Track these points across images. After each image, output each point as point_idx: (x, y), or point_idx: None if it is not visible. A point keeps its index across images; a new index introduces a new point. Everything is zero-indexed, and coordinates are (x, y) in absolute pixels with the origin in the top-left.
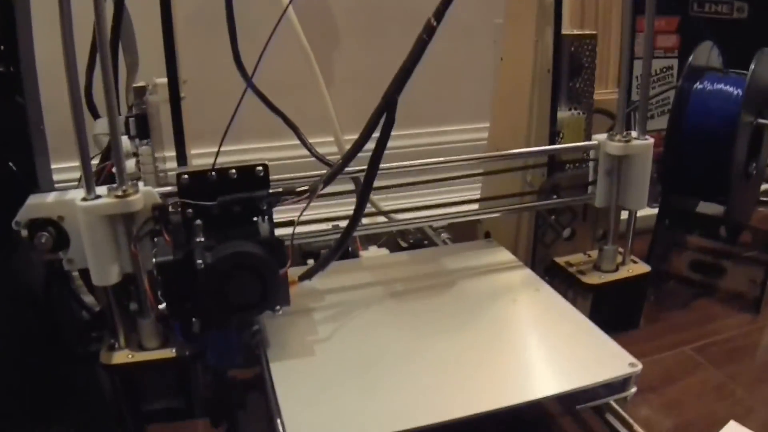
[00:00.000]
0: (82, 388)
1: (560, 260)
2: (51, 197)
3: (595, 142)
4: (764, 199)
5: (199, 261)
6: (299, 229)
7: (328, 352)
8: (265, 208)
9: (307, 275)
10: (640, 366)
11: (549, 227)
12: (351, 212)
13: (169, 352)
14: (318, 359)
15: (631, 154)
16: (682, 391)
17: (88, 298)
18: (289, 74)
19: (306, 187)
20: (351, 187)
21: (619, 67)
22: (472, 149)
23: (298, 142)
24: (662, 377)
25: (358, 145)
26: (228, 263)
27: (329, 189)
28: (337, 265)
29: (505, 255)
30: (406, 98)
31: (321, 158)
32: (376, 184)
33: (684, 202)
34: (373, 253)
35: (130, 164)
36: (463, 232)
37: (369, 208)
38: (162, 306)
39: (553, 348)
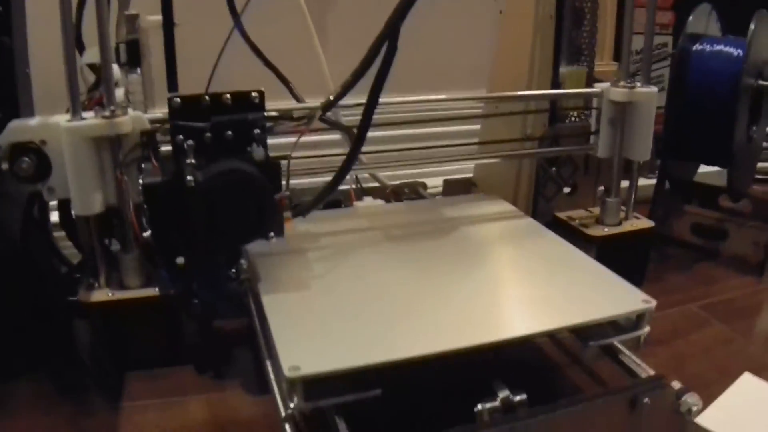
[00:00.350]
0: (57, 339)
1: (562, 215)
2: (34, 121)
3: (598, 90)
4: (760, 176)
5: (190, 178)
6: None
7: (323, 286)
8: (259, 133)
9: (301, 211)
10: (654, 302)
11: (550, 179)
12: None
13: (153, 291)
14: (312, 293)
15: (636, 101)
16: (691, 345)
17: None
18: (285, 36)
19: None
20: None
21: (615, 42)
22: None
23: (291, 103)
24: (670, 332)
25: (359, 73)
26: (220, 181)
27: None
28: (331, 213)
29: (506, 206)
30: (399, 63)
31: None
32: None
33: (683, 170)
34: (368, 203)
35: (119, 93)
36: (460, 194)
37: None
38: (147, 234)
39: (563, 285)
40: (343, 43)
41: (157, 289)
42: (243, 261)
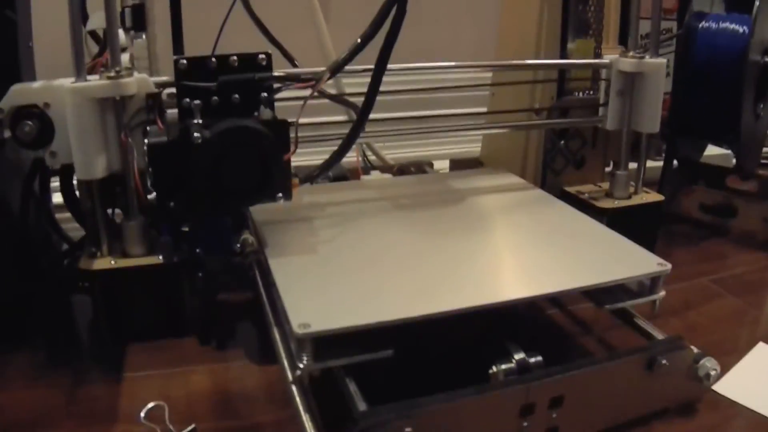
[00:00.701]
0: (55, 313)
1: (571, 189)
2: (37, 84)
3: (606, 60)
4: (765, 161)
5: (197, 134)
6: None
7: (331, 250)
8: (266, 96)
9: (309, 177)
10: (668, 266)
11: (558, 153)
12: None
13: (156, 259)
14: (320, 257)
15: (645, 72)
16: (704, 316)
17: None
18: (288, 13)
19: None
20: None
21: (620, 26)
22: (472, 98)
23: None
24: (682, 304)
25: (368, 36)
26: (227, 138)
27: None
28: (337, 185)
29: (515, 178)
30: (403, 40)
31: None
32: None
33: (690, 150)
34: (375, 176)
35: (124, 58)
36: None
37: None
38: (151, 196)
39: (576, 249)
40: (347, 22)
41: (160, 257)
42: (248, 236)
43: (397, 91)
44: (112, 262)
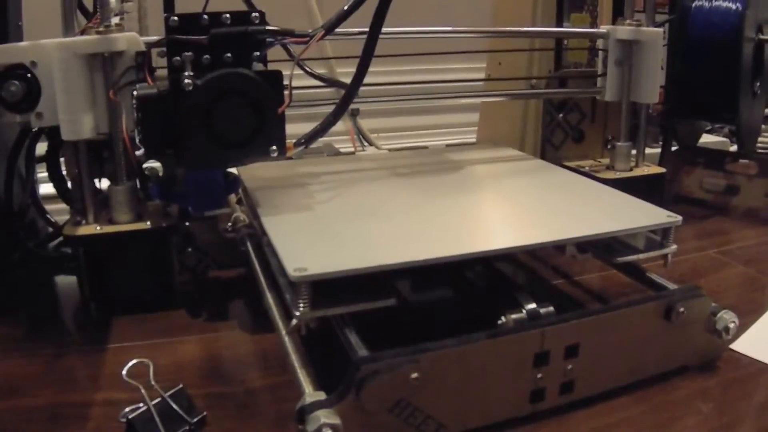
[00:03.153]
0: (38, 292)
1: (571, 164)
2: (24, 42)
3: (604, 30)
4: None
5: (188, 81)
6: None
7: (327, 208)
8: (258, 56)
9: (304, 140)
10: (679, 218)
11: (557, 126)
12: None
13: (143, 225)
14: (315, 213)
15: (642, 40)
16: (715, 283)
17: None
18: None
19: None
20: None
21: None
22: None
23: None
24: (691, 272)
25: None
26: (220, 85)
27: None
28: (333, 158)
29: (515, 151)
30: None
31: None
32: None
33: (687, 133)
34: (371, 151)
35: (114, 20)
36: None
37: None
38: (139, 153)
39: (584, 204)
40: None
41: (148, 223)
42: (239, 213)
43: (391, 56)
44: (98, 228)
